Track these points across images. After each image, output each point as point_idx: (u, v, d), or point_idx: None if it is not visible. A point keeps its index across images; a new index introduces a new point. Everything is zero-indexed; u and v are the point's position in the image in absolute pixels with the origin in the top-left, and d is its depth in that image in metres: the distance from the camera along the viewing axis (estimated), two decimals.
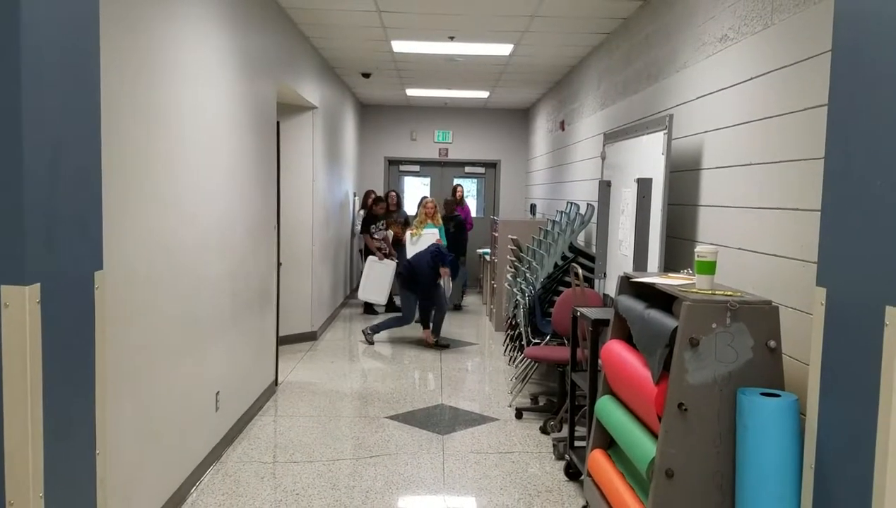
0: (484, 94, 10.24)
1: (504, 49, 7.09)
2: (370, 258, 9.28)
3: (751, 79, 3.47)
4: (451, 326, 8.97)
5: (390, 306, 9.48)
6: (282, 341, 6.72)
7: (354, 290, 10.31)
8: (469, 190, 12.14)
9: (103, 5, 2.05)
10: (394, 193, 10.23)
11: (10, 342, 1.68)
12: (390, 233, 9.58)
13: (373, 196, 10.11)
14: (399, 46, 7.11)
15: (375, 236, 9.43)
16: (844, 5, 2.07)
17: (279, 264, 6.11)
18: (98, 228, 2.03)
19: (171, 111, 3.53)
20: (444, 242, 9.04)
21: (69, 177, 1.85)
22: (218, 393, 4.37)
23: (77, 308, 1.92)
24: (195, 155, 3.88)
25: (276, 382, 5.99)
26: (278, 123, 5.92)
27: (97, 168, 2.02)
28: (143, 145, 3.21)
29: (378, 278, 9.21)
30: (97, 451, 2.02)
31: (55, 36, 1.77)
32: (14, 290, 1.67)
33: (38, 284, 1.71)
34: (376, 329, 7.88)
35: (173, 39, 3.54)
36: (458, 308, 10.25)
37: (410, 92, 10.26)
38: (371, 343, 7.83)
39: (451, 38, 6.69)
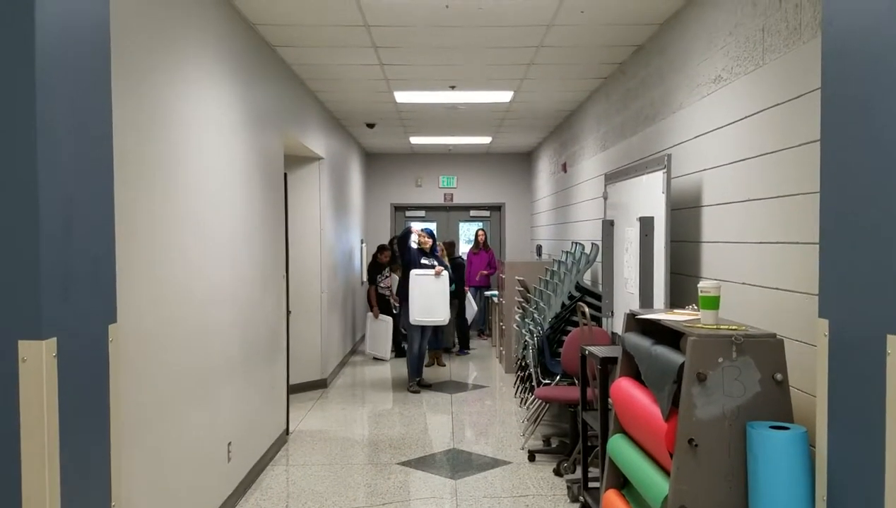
0: (486, 140, 10.39)
1: (504, 96, 7.23)
2: (369, 315, 9.46)
3: (746, 117, 3.55)
4: (461, 369, 8.95)
5: (400, 352, 9.52)
6: (292, 389, 6.71)
7: (363, 337, 10.33)
8: (470, 235, 12.18)
9: (112, 62, 2.14)
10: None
11: (27, 395, 1.72)
12: (395, 276, 9.57)
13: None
14: (402, 97, 7.25)
15: (381, 284, 9.47)
16: (831, 43, 2.14)
17: (289, 312, 6.16)
18: (112, 282, 2.08)
19: (180, 164, 3.62)
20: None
21: (83, 233, 1.91)
22: (230, 443, 4.38)
23: (92, 361, 1.96)
24: (204, 206, 3.96)
25: (287, 431, 5.98)
26: (286, 174, 6.02)
27: (110, 223, 2.07)
28: (151, 198, 3.28)
29: (378, 334, 9.46)
30: (113, 503, 2.04)
31: (69, 93, 1.85)
32: (31, 345, 1.71)
33: (55, 338, 1.76)
34: (417, 376, 7.92)
35: (181, 94, 3.65)
36: (447, 351, 10.05)
37: (414, 140, 10.41)
38: (419, 387, 7.86)
39: (452, 87, 6.83)
